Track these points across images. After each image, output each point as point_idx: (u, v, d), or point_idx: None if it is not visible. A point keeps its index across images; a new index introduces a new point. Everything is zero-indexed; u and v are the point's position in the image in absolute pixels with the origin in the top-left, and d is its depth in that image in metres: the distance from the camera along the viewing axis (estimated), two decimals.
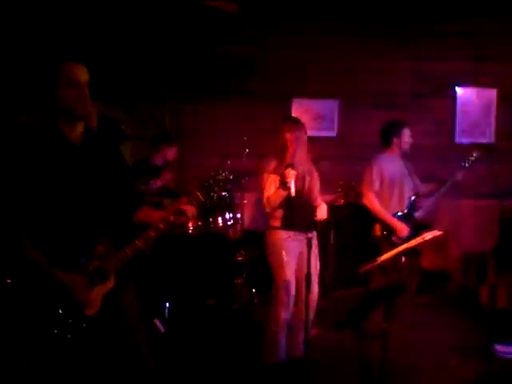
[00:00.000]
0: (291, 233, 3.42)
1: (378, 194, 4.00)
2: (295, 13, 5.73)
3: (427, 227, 3.83)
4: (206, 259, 4.64)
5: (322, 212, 3.42)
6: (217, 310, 4.51)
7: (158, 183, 4.48)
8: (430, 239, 2.84)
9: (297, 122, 3.56)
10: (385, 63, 5.83)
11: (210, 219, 4.46)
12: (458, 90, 5.80)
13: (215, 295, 4.61)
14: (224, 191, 4.43)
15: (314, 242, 3.43)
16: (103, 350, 2.23)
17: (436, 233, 2.89)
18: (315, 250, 3.47)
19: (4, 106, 4.46)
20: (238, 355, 3.71)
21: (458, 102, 5.81)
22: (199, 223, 4.47)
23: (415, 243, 2.85)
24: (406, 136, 4.08)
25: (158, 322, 3.98)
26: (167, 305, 4.25)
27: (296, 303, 3.43)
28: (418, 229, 3.90)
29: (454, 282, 5.47)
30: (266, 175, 3.46)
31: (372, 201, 3.98)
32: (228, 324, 4.29)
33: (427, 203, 4.11)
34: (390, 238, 3.94)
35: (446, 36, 5.74)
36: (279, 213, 3.41)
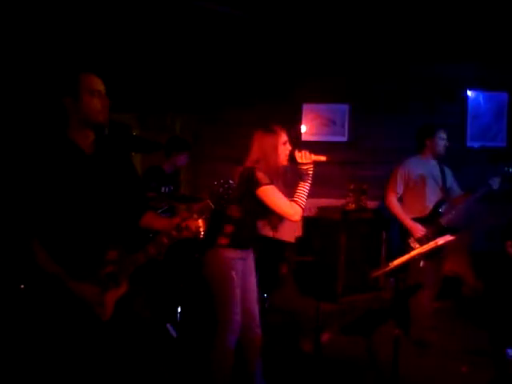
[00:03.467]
0: (240, 252, 2.99)
1: (404, 195, 4.03)
2: (305, 16, 5.75)
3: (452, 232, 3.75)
4: None
5: None
6: None
7: (168, 189, 4.51)
8: (443, 244, 2.83)
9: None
10: (395, 67, 5.83)
11: None
12: (470, 94, 5.78)
13: None
14: None
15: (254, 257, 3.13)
16: (116, 354, 2.25)
17: (448, 237, 2.87)
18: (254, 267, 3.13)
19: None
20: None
21: (470, 105, 5.79)
22: None
23: (428, 248, 2.84)
24: (440, 138, 4.03)
25: (170, 327, 4.00)
26: (179, 309, 4.27)
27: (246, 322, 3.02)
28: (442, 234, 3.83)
29: (467, 287, 5.43)
30: (270, 187, 2.89)
31: (392, 202, 3.99)
32: None
33: (454, 210, 4.01)
34: (406, 240, 3.93)
35: (457, 39, 5.72)
36: (228, 229, 2.96)
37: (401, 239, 3.99)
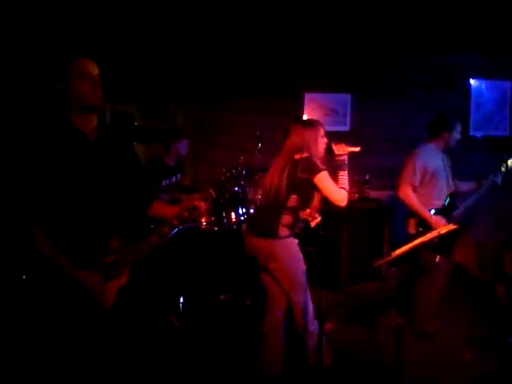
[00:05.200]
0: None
1: (418, 188, 3.81)
2: (306, 5, 5.71)
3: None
4: (220, 255, 4.65)
5: None
6: (230, 306, 4.53)
7: (169, 182, 4.52)
8: (445, 233, 2.82)
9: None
10: (397, 56, 5.79)
11: (224, 214, 4.47)
12: (472, 82, 5.75)
13: (228, 291, 4.62)
14: (236, 186, 4.44)
15: None
16: (117, 343, 2.26)
17: (451, 226, 2.87)
18: None
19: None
20: (249, 351, 3.73)
21: (472, 94, 5.76)
22: (212, 218, 4.48)
23: (430, 237, 2.83)
24: (458, 132, 3.87)
25: (172, 317, 4.02)
26: (181, 299, 4.28)
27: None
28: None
29: (469, 276, 5.43)
30: (326, 173, 3.04)
31: (408, 194, 3.77)
32: (241, 320, 4.30)
33: (465, 203, 3.90)
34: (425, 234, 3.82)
35: (460, 28, 5.68)
36: (287, 220, 3.12)
37: (418, 233, 3.82)
